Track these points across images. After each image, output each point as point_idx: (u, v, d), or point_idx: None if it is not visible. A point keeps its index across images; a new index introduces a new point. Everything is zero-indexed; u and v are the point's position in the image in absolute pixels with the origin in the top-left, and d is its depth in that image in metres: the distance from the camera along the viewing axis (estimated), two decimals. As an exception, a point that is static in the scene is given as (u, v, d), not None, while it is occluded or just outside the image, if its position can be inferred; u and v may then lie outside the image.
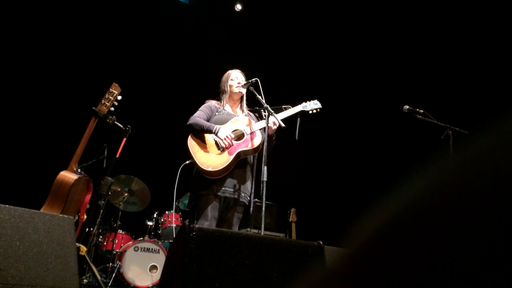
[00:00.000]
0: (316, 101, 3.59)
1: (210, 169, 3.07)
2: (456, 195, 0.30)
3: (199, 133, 3.23)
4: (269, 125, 3.23)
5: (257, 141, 3.23)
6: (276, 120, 3.22)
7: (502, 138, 0.29)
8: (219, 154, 3.15)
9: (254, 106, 3.54)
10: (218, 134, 3.18)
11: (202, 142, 3.21)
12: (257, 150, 3.24)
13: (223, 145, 3.16)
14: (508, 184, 0.27)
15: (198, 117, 3.29)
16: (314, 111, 3.55)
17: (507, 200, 0.27)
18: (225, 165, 3.10)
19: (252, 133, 3.29)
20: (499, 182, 0.28)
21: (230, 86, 3.46)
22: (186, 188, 4.93)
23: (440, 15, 5.66)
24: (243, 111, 3.52)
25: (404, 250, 0.31)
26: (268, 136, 3.23)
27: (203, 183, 3.13)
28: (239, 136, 3.25)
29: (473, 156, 0.31)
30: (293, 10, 6.77)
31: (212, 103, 3.45)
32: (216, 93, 3.59)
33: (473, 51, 5.25)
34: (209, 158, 3.13)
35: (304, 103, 3.56)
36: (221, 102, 3.48)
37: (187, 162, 3.24)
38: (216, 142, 3.19)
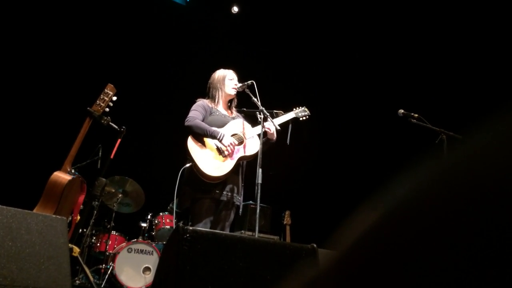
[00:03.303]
0: (304, 108, 3.66)
1: (214, 174, 3.05)
2: (446, 195, 0.30)
3: (200, 136, 3.17)
4: (267, 130, 3.24)
5: (256, 147, 3.23)
6: (272, 125, 3.23)
7: (494, 139, 0.30)
8: (223, 160, 3.13)
9: (247, 108, 3.54)
10: (223, 141, 3.14)
11: (202, 145, 3.16)
12: (255, 156, 3.22)
13: (226, 152, 3.14)
14: (500, 185, 0.27)
15: (197, 118, 3.21)
16: (304, 118, 3.61)
17: (498, 201, 0.27)
18: (228, 171, 3.10)
19: (250, 138, 3.30)
20: (491, 182, 0.28)
21: (227, 86, 3.42)
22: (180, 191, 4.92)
23: (438, 18, 5.70)
24: (232, 112, 3.50)
25: (393, 250, 0.31)
26: (269, 140, 3.27)
27: (203, 186, 3.09)
28: (239, 142, 3.25)
29: (464, 157, 0.31)
30: (289, 14, 6.79)
31: (204, 102, 3.38)
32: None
33: (468, 55, 5.29)
34: (213, 163, 3.09)
35: (295, 109, 3.61)
36: (213, 101, 3.41)
37: (187, 165, 3.20)
38: (217, 147, 3.15)
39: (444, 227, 0.29)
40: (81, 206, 3.37)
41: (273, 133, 3.31)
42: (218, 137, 3.13)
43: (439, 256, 0.28)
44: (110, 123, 3.32)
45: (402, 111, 3.83)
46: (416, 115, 3.78)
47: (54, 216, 2.13)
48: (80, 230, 4.24)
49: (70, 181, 2.91)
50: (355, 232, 0.36)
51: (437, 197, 0.31)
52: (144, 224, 5.05)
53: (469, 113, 4.31)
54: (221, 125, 3.26)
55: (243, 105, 3.57)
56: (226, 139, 3.14)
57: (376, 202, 0.35)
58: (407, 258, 0.30)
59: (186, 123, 3.18)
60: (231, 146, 3.14)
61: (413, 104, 4.11)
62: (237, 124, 3.35)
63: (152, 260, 4.58)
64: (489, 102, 4.27)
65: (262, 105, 3.27)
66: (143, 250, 4.61)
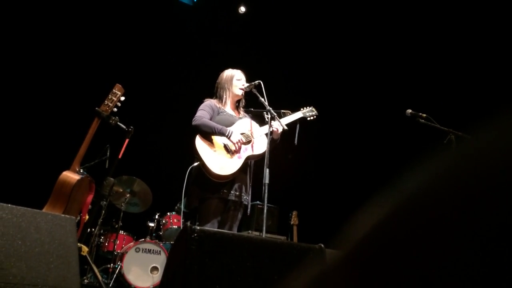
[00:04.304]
0: (312, 108, 3.65)
1: (221, 173, 3.05)
2: (451, 193, 0.30)
3: (208, 135, 3.17)
4: (274, 130, 3.24)
5: (263, 146, 3.23)
6: (280, 124, 3.22)
7: (499, 138, 0.30)
8: (230, 158, 3.14)
9: (253, 108, 3.54)
10: (231, 138, 3.14)
11: (211, 144, 3.15)
12: (263, 155, 3.22)
13: (234, 149, 3.14)
14: (505, 183, 0.27)
15: (205, 117, 3.21)
16: (312, 117, 3.60)
17: (503, 199, 0.27)
18: (236, 170, 3.10)
19: (257, 137, 3.31)
20: (495, 180, 0.28)
21: (235, 86, 3.42)
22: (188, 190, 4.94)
23: (446, 17, 5.66)
24: (240, 112, 3.51)
25: (400, 248, 0.31)
26: (273, 140, 3.26)
27: (211, 186, 3.09)
28: (247, 141, 3.25)
29: (470, 155, 0.31)
30: (297, 13, 6.78)
31: (212, 102, 3.38)
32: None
33: (478, 54, 5.25)
34: (220, 161, 3.09)
35: (302, 109, 3.61)
36: (220, 101, 3.42)
37: (195, 164, 3.20)
38: (225, 145, 3.16)
39: (450, 224, 0.29)
40: (90, 205, 3.39)
41: (278, 133, 3.30)
42: (226, 134, 3.14)
43: (446, 253, 0.28)
44: (118, 123, 3.33)
45: (410, 111, 3.80)
46: (424, 115, 3.75)
47: (63, 215, 2.15)
48: (89, 229, 4.27)
49: (78, 180, 2.92)
50: (361, 231, 0.36)
51: (443, 194, 0.31)
52: (151, 224, 5.07)
53: (478, 112, 4.28)
54: (229, 125, 3.26)
55: (251, 105, 3.57)
56: (234, 136, 3.15)
57: (382, 201, 0.35)
58: (414, 256, 0.30)
59: (194, 123, 3.19)
60: (239, 143, 3.15)
61: (421, 104, 4.08)
62: (245, 124, 3.35)
63: (160, 260, 4.59)
64: (497, 101, 4.23)
65: (269, 105, 3.27)
66: (150, 249, 4.62)
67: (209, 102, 3.38)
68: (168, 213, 5.10)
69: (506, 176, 0.27)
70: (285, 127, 3.24)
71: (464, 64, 5.39)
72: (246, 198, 3.25)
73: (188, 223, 1.73)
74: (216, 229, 2.89)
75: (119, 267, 4.47)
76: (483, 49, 5.21)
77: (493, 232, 0.27)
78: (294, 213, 5.23)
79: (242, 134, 3.25)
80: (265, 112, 3.29)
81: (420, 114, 3.76)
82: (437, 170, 0.33)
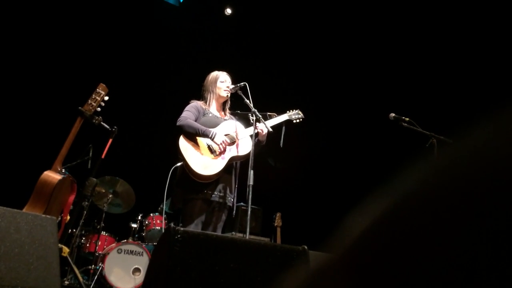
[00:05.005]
0: (298, 111, 3.67)
1: (205, 173, 3.05)
2: (448, 193, 0.30)
3: (192, 135, 3.18)
4: (259, 131, 3.25)
5: (248, 148, 3.23)
6: (264, 126, 3.23)
7: (489, 140, 0.30)
8: (214, 158, 3.14)
9: (240, 110, 3.55)
10: (215, 140, 3.15)
11: (195, 145, 3.16)
12: (248, 156, 3.23)
13: (218, 150, 3.14)
14: (495, 183, 0.28)
15: (189, 118, 3.23)
16: (298, 120, 3.63)
17: (498, 199, 0.27)
18: (219, 170, 3.10)
19: (242, 139, 3.31)
20: (490, 180, 0.28)
21: (219, 88, 3.44)
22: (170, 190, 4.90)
23: (429, 23, 5.75)
24: (226, 114, 3.52)
25: (395, 250, 0.32)
26: (259, 142, 3.27)
27: (194, 186, 3.09)
28: (232, 142, 3.26)
29: (457, 158, 0.32)
30: (283, 16, 6.81)
31: (198, 104, 3.40)
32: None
33: (459, 58, 5.34)
34: (204, 163, 3.09)
35: (288, 112, 3.63)
36: (205, 103, 3.44)
37: (178, 164, 3.20)
38: (208, 146, 3.16)
39: (438, 227, 0.29)
40: (71, 206, 3.34)
41: (264, 135, 3.31)
42: (210, 136, 3.15)
43: (435, 256, 0.29)
44: (102, 123, 3.30)
45: (393, 114, 3.85)
46: (407, 118, 3.80)
47: (44, 215, 2.12)
48: (70, 230, 4.21)
49: (60, 180, 2.89)
50: (355, 233, 0.36)
51: (440, 194, 0.31)
52: (134, 225, 5.02)
53: (460, 117, 4.35)
54: (214, 126, 3.26)
55: (238, 107, 3.58)
56: (218, 138, 3.15)
57: (376, 201, 0.35)
58: (405, 259, 0.31)
59: (178, 123, 3.19)
60: (223, 144, 3.15)
61: (404, 108, 4.13)
62: (230, 125, 3.36)
63: (142, 261, 4.55)
64: (479, 106, 4.32)
65: (257, 106, 3.28)
66: (133, 251, 4.58)
67: (195, 104, 3.39)
68: (151, 214, 5.06)
69: (500, 176, 0.28)
70: (270, 129, 3.25)
71: (447, 69, 5.48)
72: (231, 199, 3.25)
73: (172, 224, 1.72)
74: (199, 231, 2.89)
75: (100, 268, 4.41)
76: (464, 54, 5.31)
77: (490, 231, 0.27)
78: (278, 215, 5.23)
79: (226, 135, 3.26)
80: (250, 114, 3.30)
81: (403, 118, 3.81)
82: (433, 171, 0.33)
